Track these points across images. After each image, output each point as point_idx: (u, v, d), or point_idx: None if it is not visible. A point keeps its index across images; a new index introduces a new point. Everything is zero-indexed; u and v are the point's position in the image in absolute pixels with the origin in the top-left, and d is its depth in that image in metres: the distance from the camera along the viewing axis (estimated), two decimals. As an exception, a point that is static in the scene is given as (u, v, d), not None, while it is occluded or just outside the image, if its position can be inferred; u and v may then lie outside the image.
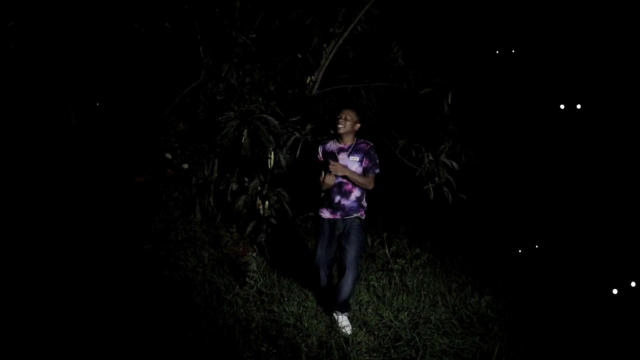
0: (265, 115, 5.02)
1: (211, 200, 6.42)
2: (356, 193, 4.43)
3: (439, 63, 6.10)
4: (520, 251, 6.63)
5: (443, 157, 5.62)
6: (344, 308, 4.52)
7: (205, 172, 6.24)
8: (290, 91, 6.30)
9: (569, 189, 7.38)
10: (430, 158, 5.38)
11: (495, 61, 7.33)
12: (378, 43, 5.84)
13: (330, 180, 4.34)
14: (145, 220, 6.16)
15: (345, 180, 4.40)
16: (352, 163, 4.38)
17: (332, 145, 4.50)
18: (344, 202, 4.41)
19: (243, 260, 5.52)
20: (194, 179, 6.07)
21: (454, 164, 5.36)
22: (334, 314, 4.54)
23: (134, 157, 5.39)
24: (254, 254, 5.08)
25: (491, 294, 5.15)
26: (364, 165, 4.42)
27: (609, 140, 7.32)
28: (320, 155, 4.53)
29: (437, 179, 5.51)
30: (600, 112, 7.04)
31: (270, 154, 5.00)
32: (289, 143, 5.10)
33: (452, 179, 5.51)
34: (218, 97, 5.14)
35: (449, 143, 5.81)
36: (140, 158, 5.37)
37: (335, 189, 4.40)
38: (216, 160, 6.21)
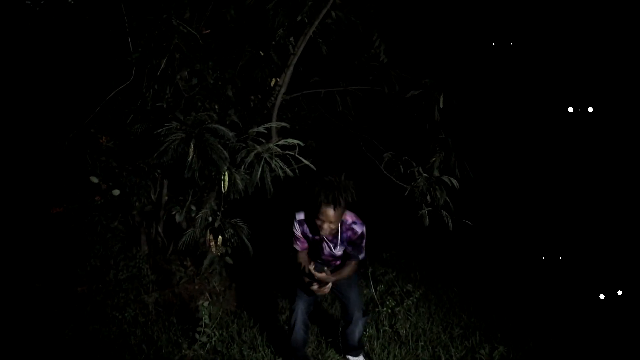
0: (217, 126, 3.75)
1: (160, 229, 5.10)
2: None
3: (427, 60, 4.91)
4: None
5: (436, 172, 4.42)
6: (358, 350, 3.78)
7: (152, 197, 4.94)
8: (252, 97, 5.04)
9: (581, 206, 6.23)
10: (425, 175, 4.16)
11: (494, 56, 6.16)
12: (356, 35, 4.62)
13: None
14: (78, 256, 4.84)
15: (334, 262, 3.55)
16: (339, 252, 3.49)
17: (309, 233, 3.45)
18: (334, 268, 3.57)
19: (197, 304, 4.21)
20: (137, 204, 4.75)
21: (454, 181, 4.15)
22: (348, 357, 3.83)
23: (47, 182, 4.05)
24: (206, 303, 3.79)
25: (503, 343, 3.94)
26: (346, 246, 3.44)
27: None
28: (300, 234, 3.45)
29: (429, 199, 4.30)
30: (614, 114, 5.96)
31: (224, 175, 3.73)
32: (248, 160, 3.84)
33: (449, 200, 4.31)
34: (158, 104, 3.84)
35: (441, 155, 4.62)
36: (55, 183, 4.04)
37: (322, 262, 3.46)
38: (165, 181, 4.91)
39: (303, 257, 3.45)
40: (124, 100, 3.84)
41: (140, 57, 3.65)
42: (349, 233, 3.33)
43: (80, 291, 4.79)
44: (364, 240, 3.39)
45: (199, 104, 4.34)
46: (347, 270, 3.39)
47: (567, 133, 6.50)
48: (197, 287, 4.95)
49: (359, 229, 3.32)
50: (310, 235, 3.39)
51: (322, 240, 3.39)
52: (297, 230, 3.40)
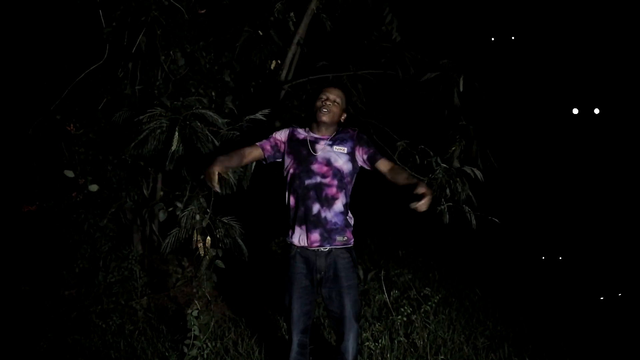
0: (205, 111, 3.21)
1: (155, 227, 4.59)
2: (342, 199, 2.73)
3: (444, 38, 4.30)
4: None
5: (456, 163, 3.83)
6: None
7: (145, 192, 4.43)
8: (253, 83, 4.50)
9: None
10: (444, 165, 3.58)
11: (523, 31, 5.51)
12: (365, 10, 4.04)
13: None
14: (65, 258, 4.36)
15: (326, 180, 2.70)
16: (339, 156, 2.75)
17: (303, 133, 2.83)
18: (326, 213, 2.69)
19: (194, 305, 3.68)
20: (128, 201, 4.25)
21: (477, 172, 3.56)
22: None
23: (12, 176, 3.53)
24: (195, 312, 3.26)
25: (536, 357, 3.34)
26: (363, 155, 2.79)
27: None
28: (283, 139, 2.84)
29: (449, 192, 3.71)
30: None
31: (214, 167, 3.19)
32: (241, 150, 3.30)
33: (471, 194, 3.72)
34: (138, 87, 3.30)
35: (462, 144, 4.02)
36: (23, 178, 3.52)
37: (312, 193, 2.69)
38: (159, 175, 4.40)
39: (239, 156, 2.75)
40: (98, 82, 3.30)
41: (114, 33, 3.11)
42: (347, 132, 2.80)
43: (68, 295, 4.32)
44: (369, 142, 2.84)
45: (193, 89, 3.82)
46: (404, 171, 2.82)
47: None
48: (195, 290, 4.41)
49: (355, 129, 2.85)
50: (301, 136, 2.78)
51: (316, 141, 2.74)
52: (281, 133, 2.83)
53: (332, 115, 2.74)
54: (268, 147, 2.80)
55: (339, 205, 2.69)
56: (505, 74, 5.05)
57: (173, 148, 3.13)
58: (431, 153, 3.87)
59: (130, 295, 4.20)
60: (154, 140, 3.15)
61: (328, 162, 2.71)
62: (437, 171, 3.58)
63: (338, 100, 2.77)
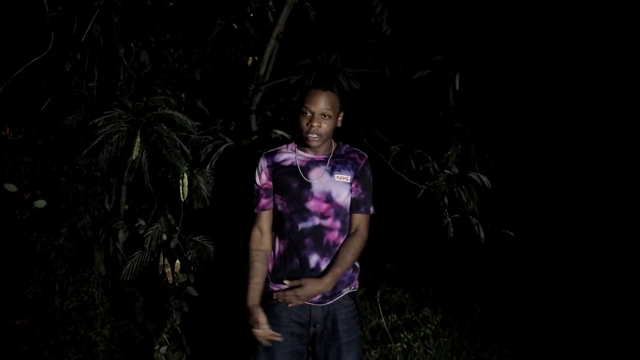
0: (172, 112, 2.69)
1: (119, 245, 4.01)
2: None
3: (438, 33, 3.85)
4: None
5: (454, 168, 3.36)
6: None
7: (107, 207, 3.86)
8: (227, 83, 3.99)
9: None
10: (447, 172, 3.12)
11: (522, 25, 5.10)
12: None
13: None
14: (16, 282, 3.76)
15: (326, 222, 2.05)
16: (341, 187, 2.07)
17: (289, 157, 2.12)
18: (326, 264, 2.06)
19: (162, 340, 3.12)
20: (86, 217, 3.68)
21: (484, 179, 3.10)
22: None
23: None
24: (163, 348, 2.71)
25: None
26: (352, 194, 2.11)
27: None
28: (267, 177, 2.12)
29: (447, 201, 3.25)
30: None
31: (183, 177, 2.66)
32: (215, 158, 2.78)
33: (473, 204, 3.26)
34: (90, 85, 2.75)
35: (458, 147, 3.56)
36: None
37: (307, 240, 2.04)
38: (123, 187, 3.84)
39: (260, 242, 2.11)
40: (42, 78, 2.74)
41: (60, 19, 2.55)
42: (352, 155, 2.13)
43: (19, 325, 3.72)
44: (371, 182, 2.15)
45: (159, 90, 3.29)
46: (352, 250, 2.03)
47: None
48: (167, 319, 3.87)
49: (364, 154, 2.16)
50: (286, 160, 2.09)
51: (309, 166, 2.07)
52: (262, 169, 2.11)
53: (324, 135, 2.03)
54: (266, 202, 2.12)
55: None
56: (506, 71, 4.62)
57: (134, 156, 2.59)
58: (429, 158, 3.42)
59: (90, 324, 3.62)
60: (110, 146, 2.61)
61: (329, 198, 2.05)
62: (441, 178, 3.10)
63: (328, 111, 2.01)
